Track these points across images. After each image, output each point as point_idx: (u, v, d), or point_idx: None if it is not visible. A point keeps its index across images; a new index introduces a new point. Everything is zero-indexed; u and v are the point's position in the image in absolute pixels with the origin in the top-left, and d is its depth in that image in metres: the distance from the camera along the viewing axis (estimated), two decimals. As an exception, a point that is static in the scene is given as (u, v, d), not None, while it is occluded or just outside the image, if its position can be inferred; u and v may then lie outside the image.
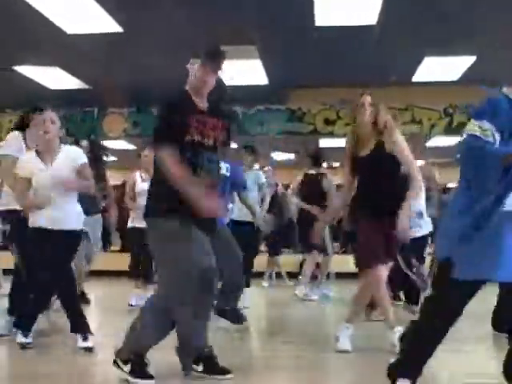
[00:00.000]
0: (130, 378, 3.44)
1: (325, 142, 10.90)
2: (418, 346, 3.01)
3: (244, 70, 8.25)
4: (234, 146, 10.54)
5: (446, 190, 12.30)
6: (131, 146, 11.98)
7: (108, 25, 6.46)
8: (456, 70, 8.32)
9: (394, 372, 3.02)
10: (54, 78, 8.64)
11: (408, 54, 7.76)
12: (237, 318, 5.29)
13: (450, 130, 9.90)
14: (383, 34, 6.75)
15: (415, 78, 8.75)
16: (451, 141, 11.00)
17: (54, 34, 6.66)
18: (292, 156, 13.57)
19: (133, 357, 3.47)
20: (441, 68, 8.23)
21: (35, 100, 10.33)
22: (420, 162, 6.84)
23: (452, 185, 14.99)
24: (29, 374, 3.83)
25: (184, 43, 7.28)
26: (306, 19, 6.29)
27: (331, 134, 9.88)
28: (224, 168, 5.33)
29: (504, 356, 3.10)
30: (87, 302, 6.71)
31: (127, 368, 3.46)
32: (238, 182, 5.71)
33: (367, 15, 6.20)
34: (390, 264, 4.48)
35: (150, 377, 3.46)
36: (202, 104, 3.50)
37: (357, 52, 7.61)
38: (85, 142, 6.44)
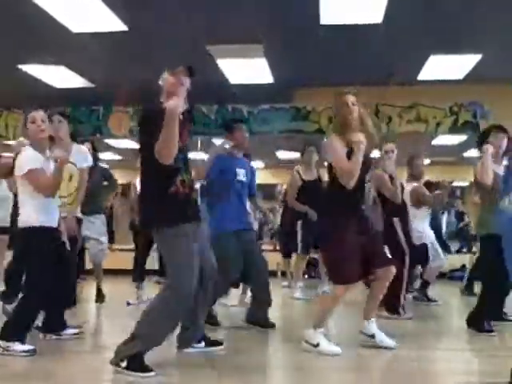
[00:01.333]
0: (129, 372, 3.60)
1: (330, 141, 10.88)
2: None
3: (249, 69, 8.26)
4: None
5: (452, 188, 12.29)
6: (136, 145, 11.98)
7: (113, 23, 6.46)
8: (461, 68, 8.29)
9: None
10: (60, 77, 8.66)
11: (413, 53, 7.75)
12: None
13: (455, 129, 9.87)
14: (388, 33, 6.74)
15: (420, 77, 8.74)
16: (457, 139, 11.00)
17: (60, 33, 6.67)
18: (297, 155, 13.55)
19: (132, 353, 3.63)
20: (446, 66, 8.20)
21: (41, 99, 10.38)
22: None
23: (457, 183, 15.01)
24: (28, 374, 3.85)
25: (189, 41, 7.31)
26: (311, 18, 6.28)
27: (336, 133, 9.88)
28: (242, 174, 5.37)
29: (495, 355, 3.11)
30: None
31: (124, 364, 3.63)
32: (252, 187, 5.66)
33: (372, 14, 6.18)
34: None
35: (150, 370, 3.64)
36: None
37: (362, 51, 7.60)
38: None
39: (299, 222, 7.57)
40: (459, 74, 8.53)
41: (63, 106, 10.27)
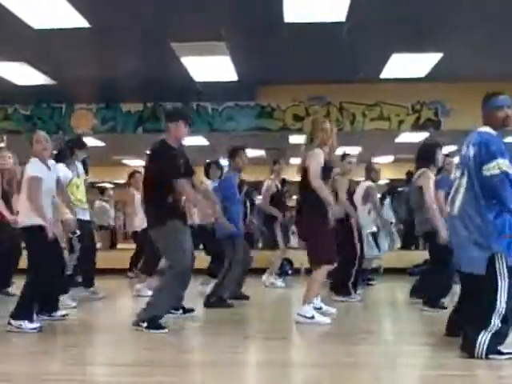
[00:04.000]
0: (149, 331, 4.83)
1: (294, 139, 10.94)
2: None
3: (213, 67, 8.25)
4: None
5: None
6: (100, 143, 11.87)
7: (75, 20, 6.38)
8: (423, 66, 8.41)
9: None
10: (21, 74, 8.51)
11: (376, 51, 7.83)
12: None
13: (417, 127, 10.02)
14: (352, 31, 6.79)
15: (383, 75, 8.84)
16: (418, 137, 11.17)
17: (20, 29, 6.56)
18: (262, 152, 13.60)
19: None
20: (408, 65, 8.31)
21: (1, 96, 10.20)
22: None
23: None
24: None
25: (153, 39, 7.27)
26: (275, 16, 6.30)
27: (300, 131, 9.93)
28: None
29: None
30: None
31: (145, 325, 4.88)
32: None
33: (336, 12, 6.23)
34: None
35: (164, 327, 4.89)
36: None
37: (326, 49, 7.65)
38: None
39: (279, 223, 8.55)
40: (421, 73, 8.65)
41: (24, 104, 10.15)
